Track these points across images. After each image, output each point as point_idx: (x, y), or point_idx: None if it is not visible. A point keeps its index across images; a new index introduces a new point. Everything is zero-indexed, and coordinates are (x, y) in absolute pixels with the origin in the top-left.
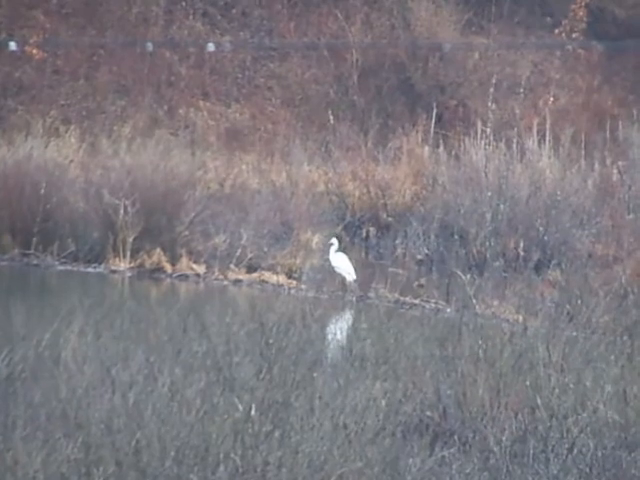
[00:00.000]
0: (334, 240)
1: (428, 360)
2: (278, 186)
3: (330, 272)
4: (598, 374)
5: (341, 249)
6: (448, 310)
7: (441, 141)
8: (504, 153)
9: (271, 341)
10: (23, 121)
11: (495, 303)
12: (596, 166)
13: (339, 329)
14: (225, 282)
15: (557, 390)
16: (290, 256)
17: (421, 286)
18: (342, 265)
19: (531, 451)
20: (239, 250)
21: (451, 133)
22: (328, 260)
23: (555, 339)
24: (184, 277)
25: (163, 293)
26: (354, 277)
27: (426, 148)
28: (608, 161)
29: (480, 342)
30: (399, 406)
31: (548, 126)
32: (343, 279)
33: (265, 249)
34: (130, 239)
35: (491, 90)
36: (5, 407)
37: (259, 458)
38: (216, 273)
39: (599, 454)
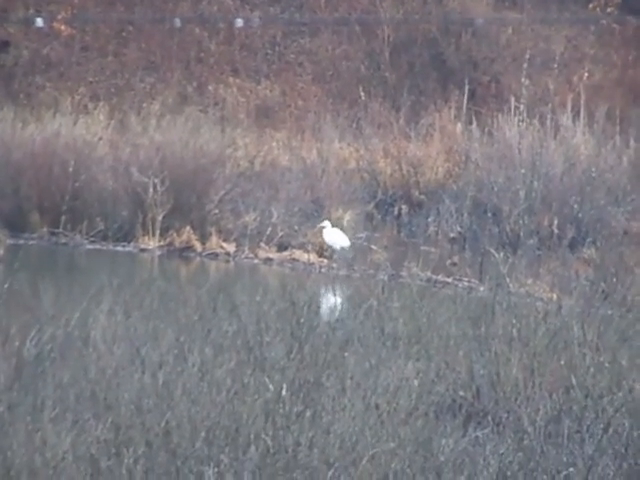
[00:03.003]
0: (325, 223)
1: (461, 339)
2: (309, 163)
3: (357, 251)
4: (634, 353)
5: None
6: (481, 289)
7: (474, 117)
8: (538, 129)
9: (302, 320)
10: (51, 98)
11: (529, 281)
12: (631, 142)
13: (370, 307)
14: (255, 261)
15: (592, 369)
16: (321, 234)
17: (454, 264)
18: (334, 237)
19: (566, 431)
20: (269, 228)
21: (484, 109)
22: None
23: (590, 318)
24: (214, 256)
25: (193, 272)
26: (348, 243)
27: (459, 125)
28: None
29: (514, 321)
30: (432, 386)
31: (582, 102)
32: (337, 249)
33: (296, 227)
34: (159, 217)
35: (524, 66)
36: (34, 387)
37: (290, 439)
38: (246, 252)
39: (635, 434)
